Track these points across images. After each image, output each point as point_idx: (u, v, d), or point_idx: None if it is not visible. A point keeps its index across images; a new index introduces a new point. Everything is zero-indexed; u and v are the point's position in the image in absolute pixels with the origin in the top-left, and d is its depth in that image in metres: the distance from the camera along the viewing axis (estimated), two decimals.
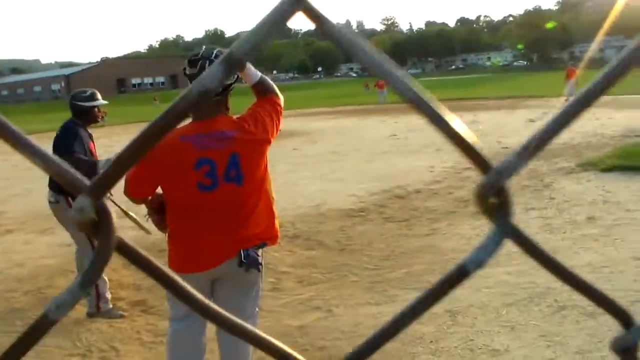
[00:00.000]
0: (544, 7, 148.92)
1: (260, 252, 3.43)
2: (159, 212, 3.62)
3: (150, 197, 3.61)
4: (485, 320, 4.73)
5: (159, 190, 3.55)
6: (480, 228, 7.21)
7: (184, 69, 3.44)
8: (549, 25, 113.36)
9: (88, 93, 5.79)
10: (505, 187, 0.48)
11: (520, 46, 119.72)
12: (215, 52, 3.40)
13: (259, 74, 3.63)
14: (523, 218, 7.52)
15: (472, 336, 4.51)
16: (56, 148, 5.45)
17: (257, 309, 3.71)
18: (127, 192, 3.50)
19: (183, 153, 3.25)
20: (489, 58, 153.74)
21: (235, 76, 3.38)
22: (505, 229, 0.49)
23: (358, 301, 5.34)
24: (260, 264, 3.42)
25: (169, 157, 3.26)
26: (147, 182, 3.43)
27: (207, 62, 3.30)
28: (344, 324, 4.90)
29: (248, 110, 3.47)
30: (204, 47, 3.49)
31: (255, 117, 3.42)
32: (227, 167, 3.28)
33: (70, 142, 5.44)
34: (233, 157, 3.27)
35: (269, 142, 3.41)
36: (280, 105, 3.56)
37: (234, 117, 3.44)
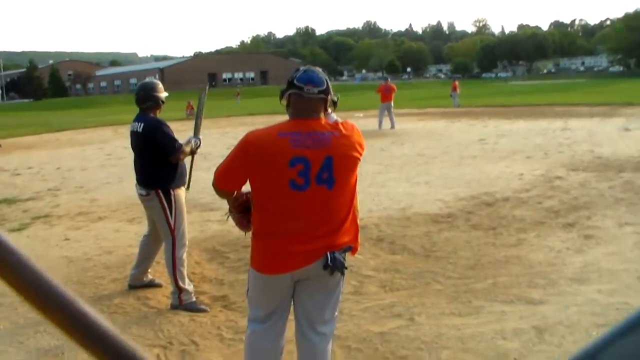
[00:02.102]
0: None
1: (345, 255, 3.38)
2: (241, 212, 3.62)
3: (235, 195, 3.60)
4: (573, 340, 4.52)
5: (245, 189, 3.55)
6: (571, 241, 6.96)
7: None
8: (618, 28, 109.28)
9: (161, 85, 5.90)
10: None
11: (619, 28, 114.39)
12: None
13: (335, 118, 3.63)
14: (616, 233, 7.23)
15: (558, 356, 4.33)
16: (153, 148, 5.57)
17: (336, 314, 3.65)
18: (216, 182, 3.51)
19: (280, 148, 3.24)
20: (582, 63, 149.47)
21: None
22: None
23: (441, 311, 5.22)
24: (346, 267, 3.37)
25: (266, 151, 3.26)
26: (239, 174, 3.41)
27: None
28: (426, 333, 4.79)
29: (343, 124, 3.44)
30: None
31: (352, 131, 3.40)
32: (320, 169, 3.24)
33: (168, 139, 5.58)
34: (328, 160, 3.24)
35: (359, 158, 3.37)
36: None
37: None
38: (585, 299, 5.22)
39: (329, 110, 3.55)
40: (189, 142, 5.74)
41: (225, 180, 3.50)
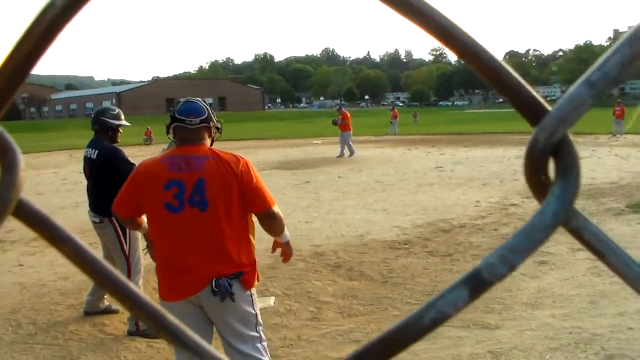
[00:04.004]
0: (595, 42, 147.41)
1: (233, 282, 3.40)
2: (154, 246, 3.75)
3: (146, 228, 3.79)
4: None
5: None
6: (526, 267, 7.07)
7: None
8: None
9: (117, 111, 5.90)
10: (567, 139, 0.40)
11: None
12: None
13: (287, 237, 3.79)
14: (569, 259, 7.37)
15: None
16: (110, 176, 5.53)
17: (257, 334, 3.59)
18: (113, 207, 3.69)
19: (159, 172, 3.41)
20: (536, 92, 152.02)
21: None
22: (565, 203, 0.40)
23: None
24: (233, 293, 3.37)
25: (148, 176, 3.46)
26: (130, 199, 3.58)
27: None
28: None
29: (247, 169, 3.50)
30: None
31: (232, 157, 3.50)
32: (192, 191, 3.36)
33: (125, 167, 5.55)
34: (199, 182, 3.36)
35: (234, 183, 3.41)
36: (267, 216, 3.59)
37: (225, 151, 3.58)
38: (540, 324, 5.31)
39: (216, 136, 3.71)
40: None
41: (118, 206, 3.67)
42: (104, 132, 5.76)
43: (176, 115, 3.52)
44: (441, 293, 0.39)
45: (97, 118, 5.78)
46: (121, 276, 0.41)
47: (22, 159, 0.39)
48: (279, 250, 3.84)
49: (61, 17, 0.36)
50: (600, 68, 0.39)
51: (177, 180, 3.35)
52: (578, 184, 0.41)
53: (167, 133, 3.65)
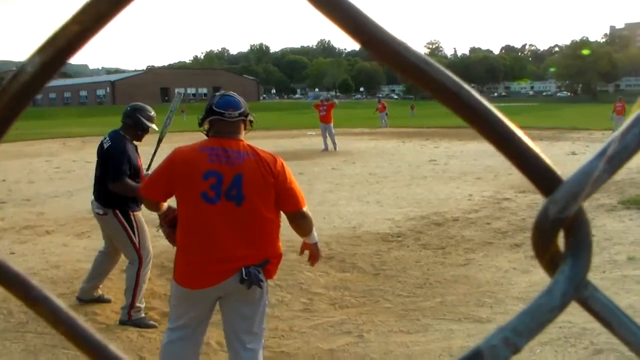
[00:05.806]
0: (591, 39, 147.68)
1: (261, 270, 3.48)
2: (170, 227, 3.83)
3: (164, 210, 3.85)
4: (517, 357, 4.59)
5: (173, 204, 3.74)
6: (518, 262, 7.10)
7: None
8: (585, 52, 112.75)
9: (152, 113, 5.76)
10: (581, 213, 0.38)
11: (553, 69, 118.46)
12: None
13: (316, 239, 3.94)
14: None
15: None
16: (106, 167, 5.43)
17: (263, 327, 3.73)
18: (141, 190, 3.77)
19: (197, 161, 3.45)
20: (532, 87, 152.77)
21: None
22: (575, 282, 0.38)
23: (390, 328, 5.28)
24: (262, 281, 3.48)
25: (186, 163, 3.49)
26: (163, 183, 3.61)
27: None
28: (375, 351, 4.84)
29: (283, 170, 3.57)
30: None
31: (270, 157, 3.56)
32: (230, 185, 3.41)
33: (118, 164, 5.37)
34: (237, 178, 3.41)
35: (271, 182, 3.47)
36: (299, 216, 3.67)
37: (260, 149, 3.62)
38: None
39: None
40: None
41: (149, 189, 3.73)
42: (133, 129, 5.63)
43: (214, 108, 3.57)
44: None
45: (134, 114, 5.61)
46: (97, 336, 0.40)
47: None
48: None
49: (30, 82, 0.37)
50: (618, 140, 0.37)
51: (215, 172, 3.41)
52: (589, 261, 0.39)
53: (200, 126, 3.69)
